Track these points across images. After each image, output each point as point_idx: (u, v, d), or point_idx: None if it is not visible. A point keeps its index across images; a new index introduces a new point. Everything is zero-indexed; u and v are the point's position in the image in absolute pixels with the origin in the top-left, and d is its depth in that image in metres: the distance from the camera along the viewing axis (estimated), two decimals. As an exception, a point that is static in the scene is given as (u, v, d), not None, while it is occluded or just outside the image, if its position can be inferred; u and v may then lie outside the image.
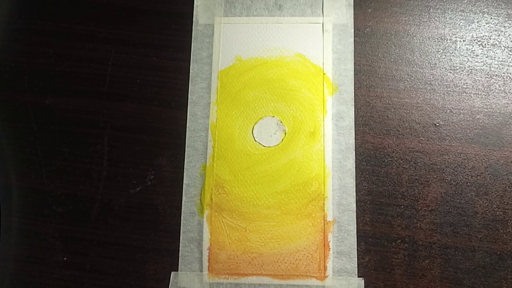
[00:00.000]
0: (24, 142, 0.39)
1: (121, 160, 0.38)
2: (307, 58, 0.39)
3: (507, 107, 0.38)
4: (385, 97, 0.38)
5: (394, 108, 0.38)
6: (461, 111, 0.38)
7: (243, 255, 0.36)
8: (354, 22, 0.40)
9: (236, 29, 0.40)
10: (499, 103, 0.38)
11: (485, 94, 0.38)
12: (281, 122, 0.38)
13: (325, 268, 0.36)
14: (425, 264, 0.35)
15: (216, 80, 0.39)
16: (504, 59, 0.39)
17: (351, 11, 0.40)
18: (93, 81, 0.40)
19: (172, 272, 0.36)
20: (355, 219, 0.36)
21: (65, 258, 0.37)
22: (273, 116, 0.38)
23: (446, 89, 0.38)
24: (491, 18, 0.40)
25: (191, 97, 0.39)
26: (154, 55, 0.40)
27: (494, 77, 0.39)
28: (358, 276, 0.35)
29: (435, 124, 0.38)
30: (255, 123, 0.38)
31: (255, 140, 0.38)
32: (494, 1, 0.40)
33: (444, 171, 0.37)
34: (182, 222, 0.37)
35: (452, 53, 0.39)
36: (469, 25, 0.40)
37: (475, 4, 0.40)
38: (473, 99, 0.38)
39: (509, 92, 0.38)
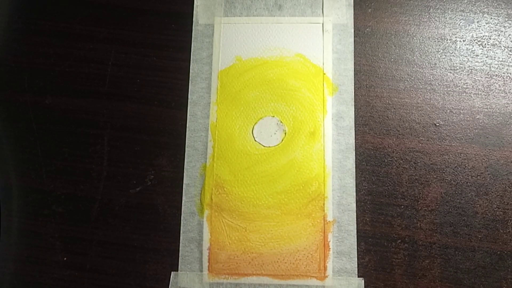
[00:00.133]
0: (24, 142, 0.39)
1: (121, 160, 0.38)
2: (307, 58, 0.39)
3: (507, 107, 0.38)
4: (385, 97, 0.38)
5: (394, 108, 0.38)
6: (461, 111, 0.38)
7: (243, 255, 0.36)
8: (354, 22, 0.40)
9: (236, 29, 0.40)
10: (499, 103, 0.38)
11: (485, 94, 0.38)
12: (281, 122, 0.38)
13: (325, 268, 0.36)
14: (425, 264, 0.35)
15: (216, 80, 0.39)
16: (504, 59, 0.39)
17: (351, 11, 0.40)
18: (93, 81, 0.40)
19: (172, 272, 0.36)
20: (355, 219, 0.36)
21: (65, 258, 0.37)
22: (273, 116, 0.38)
23: (446, 89, 0.38)
24: (491, 18, 0.40)
25: (191, 97, 0.39)
26: (154, 55, 0.40)
27: (494, 77, 0.39)
28: (358, 276, 0.35)
29: (435, 124, 0.38)
30: (255, 123, 0.38)
31: (255, 140, 0.38)
32: (494, 1, 0.40)
33: (444, 171, 0.37)
34: (182, 222, 0.37)
35: (452, 53, 0.39)
36: (469, 25, 0.40)
37: (475, 4, 0.40)
38: (473, 99, 0.38)
39: (509, 92, 0.38)
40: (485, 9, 0.40)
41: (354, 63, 0.39)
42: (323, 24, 0.40)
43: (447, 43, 0.39)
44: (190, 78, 0.39)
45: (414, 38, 0.40)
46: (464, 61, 0.39)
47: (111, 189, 0.38)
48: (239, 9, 0.40)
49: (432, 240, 0.36)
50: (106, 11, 0.41)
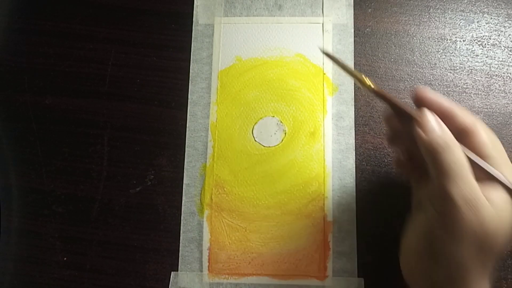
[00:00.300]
0: (24, 142, 0.39)
1: (121, 160, 0.38)
2: (307, 58, 0.39)
3: (507, 107, 0.38)
4: (385, 97, 0.38)
5: (394, 108, 0.38)
6: (461, 111, 0.38)
7: (243, 255, 0.36)
8: (354, 22, 0.40)
9: (236, 29, 0.40)
10: (499, 103, 0.38)
11: (485, 94, 0.38)
12: (281, 122, 0.38)
13: (325, 268, 0.36)
14: (425, 264, 0.35)
15: (216, 80, 0.39)
16: (504, 59, 0.39)
17: (351, 11, 0.40)
18: (93, 81, 0.40)
19: (172, 272, 0.36)
20: (355, 219, 0.36)
21: (65, 258, 0.37)
22: (273, 116, 0.38)
23: (446, 89, 0.38)
24: (491, 18, 0.40)
25: (191, 97, 0.39)
26: (154, 55, 0.40)
27: (494, 77, 0.39)
28: (358, 276, 0.35)
29: (435, 124, 0.38)
30: (255, 123, 0.38)
31: (255, 140, 0.38)
32: (494, 1, 0.40)
33: (444, 171, 0.37)
34: (182, 222, 0.37)
35: (452, 53, 0.39)
36: (469, 25, 0.40)
37: (475, 4, 0.40)
38: (473, 99, 0.38)
39: (509, 92, 0.38)
40: (485, 9, 0.40)
41: (354, 63, 0.39)
42: (323, 24, 0.40)
43: (447, 43, 0.39)
44: (190, 78, 0.39)
45: (414, 38, 0.40)
46: (464, 61, 0.39)
47: (111, 189, 0.38)
48: (239, 9, 0.40)
49: (432, 240, 0.36)
50: (106, 11, 0.41)
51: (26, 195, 0.38)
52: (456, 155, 0.25)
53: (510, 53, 0.39)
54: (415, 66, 0.39)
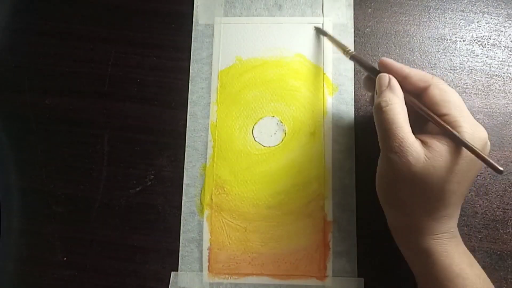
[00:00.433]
0: (24, 142, 0.39)
1: (121, 160, 0.38)
2: (307, 58, 0.39)
3: (507, 107, 0.38)
4: (385, 97, 0.38)
5: (394, 108, 0.38)
6: (461, 111, 0.38)
7: (243, 255, 0.36)
8: (354, 22, 0.40)
9: (236, 29, 0.40)
10: (499, 103, 0.38)
11: (485, 94, 0.38)
12: (281, 122, 0.38)
13: (325, 268, 0.36)
14: (425, 264, 0.35)
15: (216, 80, 0.39)
16: (504, 59, 0.39)
17: (351, 11, 0.40)
18: (93, 81, 0.40)
19: (172, 272, 0.36)
20: (355, 219, 0.36)
21: (65, 258, 0.37)
22: (273, 116, 0.38)
23: (446, 89, 0.38)
24: (491, 18, 0.40)
25: (191, 97, 0.39)
26: (154, 55, 0.40)
27: (494, 77, 0.39)
28: (358, 276, 0.35)
29: (435, 124, 0.38)
30: (255, 123, 0.38)
31: (255, 140, 0.38)
32: (494, 1, 0.40)
33: (444, 171, 0.37)
34: (182, 222, 0.37)
35: (452, 53, 0.39)
36: (469, 25, 0.40)
37: (475, 4, 0.40)
38: (473, 99, 0.38)
39: (509, 92, 0.38)
40: (485, 9, 0.40)
41: (354, 63, 0.39)
42: (323, 24, 0.40)
43: (447, 43, 0.39)
44: (190, 78, 0.39)
45: (414, 38, 0.40)
46: (464, 61, 0.39)
47: (111, 189, 0.38)
48: (239, 9, 0.40)
49: (432, 240, 0.36)
50: (106, 11, 0.41)
51: (26, 195, 0.38)
52: (390, 114, 0.29)
53: (510, 53, 0.39)
54: (415, 66, 0.39)
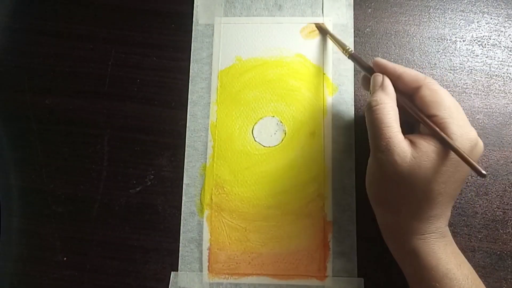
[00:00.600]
0: (24, 142, 0.39)
1: (121, 160, 0.38)
2: (307, 58, 0.39)
3: (507, 107, 0.38)
4: (385, 97, 0.38)
5: (394, 108, 0.38)
6: (461, 111, 0.38)
7: (243, 255, 0.36)
8: (354, 22, 0.40)
9: (236, 29, 0.40)
10: (499, 103, 0.38)
11: (485, 94, 0.38)
12: (281, 122, 0.38)
13: (325, 268, 0.36)
14: (425, 264, 0.35)
15: (216, 80, 0.39)
16: (504, 59, 0.39)
17: (351, 11, 0.40)
18: (93, 81, 0.40)
19: (172, 272, 0.36)
20: (355, 219, 0.36)
21: (65, 258, 0.37)
22: (273, 116, 0.38)
23: (446, 89, 0.38)
24: (491, 18, 0.40)
25: (191, 97, 0.39)
26: (154, 55, 0.40)
27: (494, 77, 0.39)
28: (358, 276, 0.35)
29: (435, 124, 0.38)
30: (255, 123, 0.38)
31: (255, 140, 0.38)
32: (494, 1, 0.40)
33: (444, 171, 0.37)
34: (182, 222, 0.37)
35: (452, 53, 0.39)
36: (469, 25, 0.40)
37: (475, 4, 0.40)
38: (473, 99, 0.38)
39: (509, 92, 0.38)
40: (485, 9, 0.40)
41: (354, 63, 0.39)
42: (323, 24, 0.40)
43: (447, 43, 0.39)
44: (190, 78, 0.39)
45: (414, 38, 0.40)
46: (464, 61, 0.39)
47: (111, 189, 0.38)
48: (239, 9, 0.40)
49: (432, 240, 0.36)
50: (106, 11, 0.41)
51: (26, 195, 0.38)
52: (379, 113, 0.30)
53: (510, 53, 0.39)
54: (415, 66, 0.39)
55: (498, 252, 0.36)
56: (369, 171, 0.32)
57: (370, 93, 0.32)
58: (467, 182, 0.37)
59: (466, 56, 0.39)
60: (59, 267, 0.37)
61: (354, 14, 0.40)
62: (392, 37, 0.40)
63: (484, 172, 0.27)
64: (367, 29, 0.40)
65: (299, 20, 0.40)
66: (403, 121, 0.31)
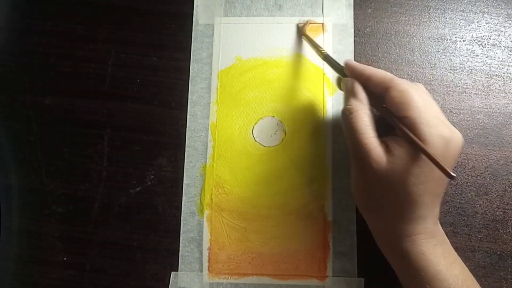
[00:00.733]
0: (24, 142, 0.39)
1: (121, 160, 0.38)
2: (307, 58, 0.39)
3: (507, 107, 0.38)
4: (385, 97, 0.38)
5: (394, 108, 0.38)
6: (461, 111, 0.38)
7: (243, 255, 0.36)
8: (354, 22, 0.40)
9: (236, 29, 0.40)
10: (499, 103, 0.38)
11: (485, 94, 0.38)
12: (281, 122, 0.38)
13: (325, 268, 0.36)
14: (425, 264, 0.35)
15: (216, 80, 0.39)
16: (504, 59, 0.39)
17: (351, 11, 0.40)
18: (93, 81, 0.40)
19: (172, 272, 0.36)
20: (355, 219, 0.36)
21: (65, 258, 0.37)
22: (273, 116, 0.38)
23: (446, 89, 0.38)
24: (491, 18, 0.40)
25: (191, 97, 0.39)
26: (154, 55, 0.40)
27: (494, 77, 0.39)
28: (358, 276, 0.35)
29: (435, 124, 0.38)
30: (255, 123, 0.38)
31: (255, 140, 0.38)
32: (494, 1, 0.40)
33: (444, 171, 0.37)
34: (182, 222, 0.37)
35: (452, 53, 0.39)
36: (469, 25, 0.40)
37: (475, 4, 0.40)
38: (473, 99, 0.38)
39: (509, 92, 0.38)
40: (485, 9, 0.40)
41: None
42: (323, 24, 0.40)
43: (447, 43, 0.39)
44: (190, 78, 0.39)
45: (414, 38, 0.40)
46: (464, 61, 0.39)
47: (111, 189, 0.38)
48: (239, 9, 0.40)
49: (432, 240, 0.36)
50: (106, 11, 0.41)
51: (26, 195, 0.38)
52: (353, 121, 0.30)
53: (510, 53, 0.39)
54: (415, 66, 0.39)
55: (498, 252, 0.36)
56: (352, 180, 0.32)
57: (343, 98, 0.32)
58: (467, 182, 0.37)
59: (466, 56, 0.39)
60: (59, 267, 0.37)
61: (354, 14, 0.40)
62: (392, 37, 0.40)
63: (452, 173, 0.27)
64: (367, 29, 0.40)
65: (299, 20, 0.40)
66: (382, 122, 0.31)
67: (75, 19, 0.41)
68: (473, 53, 0.39)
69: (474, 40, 0.39)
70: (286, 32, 0.40)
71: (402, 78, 0.38)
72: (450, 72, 0.39)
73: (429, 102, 0.30)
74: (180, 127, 0.39)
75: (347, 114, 0.31)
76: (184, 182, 0.37)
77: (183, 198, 0.37)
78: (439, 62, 0.39)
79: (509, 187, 0.37)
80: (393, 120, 0.30)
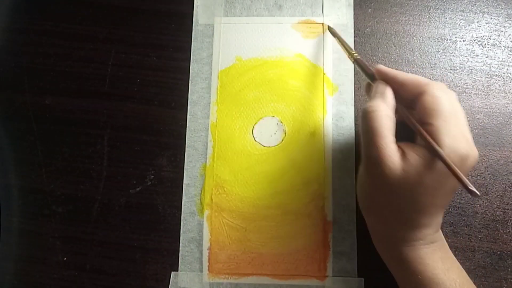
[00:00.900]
0: (24, 142, 0.39)
1: (121, 160, 0.38)
2: (307, 58, 0.39)
3: (507, 107, 0.38)
4: (385, 97, 0.38)
5: (394, 108, 0.38)
6: (461, 111, 0.38)
7: (243, 255, 0.36)
8: (354, 22, 0.40)
9: (236, 29, 0.40)
10: (499, 103, 0.38)
11: (485, 94, 0.38)
12: (281, 122, 0.38)
13: (325, 268, 0.36)
14: (425, 264, 0.35)
15: (216, 80, 0.39)
16: (504, 59, 0.39)
17: (351, 11, 0.40)
18: (93, 81, 0.40)
19: (172, 272, 0.36)
20: (355, 219, 0.36)
21: (65, 258, 0.37)
22: (273, 116, 0.38)
23: (446, 89, 0.38)
24: (491, 18, 0.40)
25: (191, 97, 0.39)
26: (154, 55, 0.40)
27: (494, 77, 0.39)
28: (358, 276, 0.35)
29: (435, 124, 0.38)
30: (255, 123, 0.38)
31: (255, 140, 0.38)
32: (494, 1, 0.40)
33: (444, 171, 0.37)
34: (182, 222, 0.37)
35: (452, 53, 0.39)
36: (469, 25, 0.40)
37: (475, 4, 0.40)
38: (473, 99, 0.38)
39: (509, 92, 0.38)
40: (485, 9, 0.40)
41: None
42: (323, 24, 0.40)
43: (447, 43, 0.39)
44: (190, 78, 0.39)
45: (414, 38, 0.40)
46: (464, 61, 0.39)
47: (111, 189, 0.38)
48: (239, 9, 0.40)
49: (432, 240, 0.36)
50: (106, 11, 0.41)
51: (26, 195, 0.38)
52: (373, 121, 0.28)
53: (510, 53, 0.39)
54: (415, 66, 0.39)
55: (498, 252, 0.36)
56: (359, 180, 0.32)
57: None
58: (467, 182, 0.37)
59: (466, 56, 0.39)
60: (59, 267, 0.37)
61: (354, 14, 0.40)
62: (392, 37, 0.40)
63: (476, 191, 0.26)
64: (367, 29, 0.40)
65: (299, 20, 0.40)
66: (402, 129, 0.30)
67: (75, 19, 0.41)
68: (473, 53, 0.39)
69: (474, 40, 0.39)
70: (286, 32, 0.40)
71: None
72: (450, 72, 0.39)
73: (457, 113, 0.29)
74: (180, 127, 0.39)
75: (368, 111, 0.29)
76: (184, 182, 0.37)
77: (183, 198, 0.37)
78: (439, 62, 0.39)
79: (509, 187, 0.37)
80: (417, 128, 0.29)
